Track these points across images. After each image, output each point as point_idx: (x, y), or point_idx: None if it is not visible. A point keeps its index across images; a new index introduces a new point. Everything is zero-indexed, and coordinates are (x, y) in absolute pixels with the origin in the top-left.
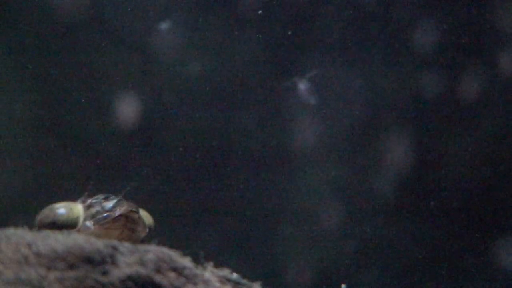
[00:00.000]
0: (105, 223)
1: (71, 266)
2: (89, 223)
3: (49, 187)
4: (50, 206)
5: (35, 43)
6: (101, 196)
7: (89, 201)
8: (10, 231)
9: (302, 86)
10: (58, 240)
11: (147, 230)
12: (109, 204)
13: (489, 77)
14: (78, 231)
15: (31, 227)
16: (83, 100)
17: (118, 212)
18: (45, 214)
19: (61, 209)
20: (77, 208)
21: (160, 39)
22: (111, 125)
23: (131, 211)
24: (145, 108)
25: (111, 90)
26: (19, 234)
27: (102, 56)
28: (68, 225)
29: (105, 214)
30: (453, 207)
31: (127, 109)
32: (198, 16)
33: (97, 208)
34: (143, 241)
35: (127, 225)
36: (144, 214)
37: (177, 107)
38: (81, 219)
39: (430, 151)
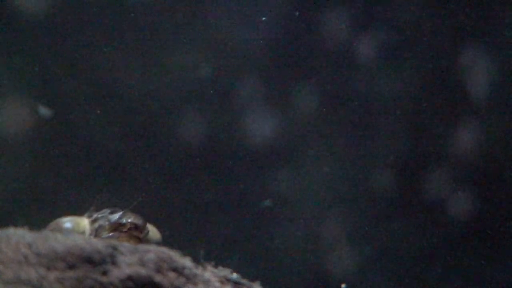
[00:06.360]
0: (110, 232)
1: (71, 266)
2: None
3: (49, 187)
4: (57, 220)
5: (36, 43)
6: (107, 210)
7: (95, 215)
8: (10, 231)
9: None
10: (58, 240)
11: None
12: (115, 217)
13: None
14: None
15: (31, 227)
16: (83, 100)
17: (124, 221)
18: (51, 227)
19: (67, 223)
20: (83, 222)
21: (161, 38)
22: (112, 125)
23: (135, 220)
24: (145, 108)
25: (112, 90)
26: (19, 234)
27: (102, 56)
28: None
29: (113, 220)
30: (459, 208)
31: (128, 109)
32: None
33: (102, 222)
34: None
35: (132, 234)
36: (151, 229)
37: (178, 107)
38: (87, 233)
39: (434, 150)
